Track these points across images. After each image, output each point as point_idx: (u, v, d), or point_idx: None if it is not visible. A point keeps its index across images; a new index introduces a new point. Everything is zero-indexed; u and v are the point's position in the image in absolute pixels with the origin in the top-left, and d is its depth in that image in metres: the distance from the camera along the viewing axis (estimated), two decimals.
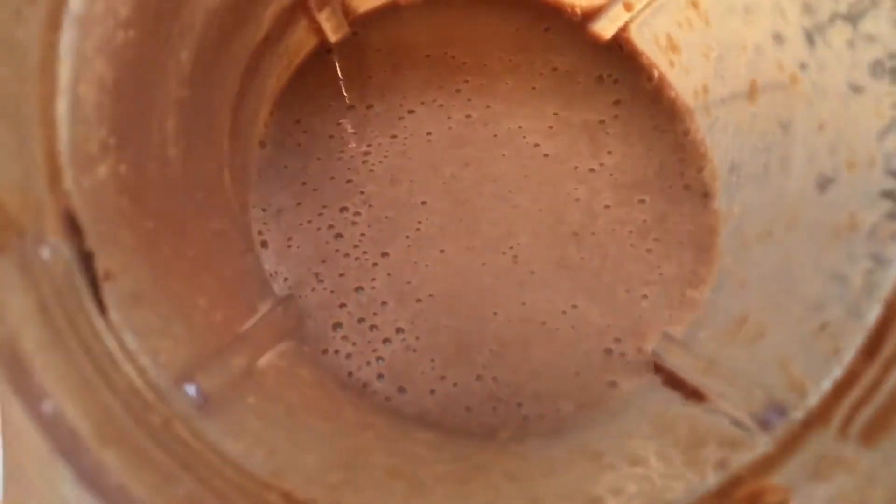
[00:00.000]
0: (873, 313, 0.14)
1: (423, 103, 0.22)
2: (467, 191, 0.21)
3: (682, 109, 0.23)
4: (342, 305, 0.20)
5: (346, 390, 0.19)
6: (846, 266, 0.15)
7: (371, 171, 0.21)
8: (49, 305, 0.12)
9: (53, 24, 0.13)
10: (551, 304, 0.20)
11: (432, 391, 0.19)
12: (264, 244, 0.22)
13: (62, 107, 0.13)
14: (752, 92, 0.20)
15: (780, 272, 0.17)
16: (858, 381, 0.13)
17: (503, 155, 0.22)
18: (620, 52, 0.23)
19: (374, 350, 0.20)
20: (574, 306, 0.20)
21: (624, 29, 0.23)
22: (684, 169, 0.22)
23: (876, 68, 0.15)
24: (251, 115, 0.22)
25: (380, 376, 0.20)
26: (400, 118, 0.22)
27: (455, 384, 0.19)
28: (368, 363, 0.20)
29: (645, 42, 0.23)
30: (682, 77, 0.23)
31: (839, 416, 0.13)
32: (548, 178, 0.21)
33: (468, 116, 0.22)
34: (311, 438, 0.16)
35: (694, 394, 0.17)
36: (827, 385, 0.14)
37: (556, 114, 0.22)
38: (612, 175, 0.22)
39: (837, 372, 0.14)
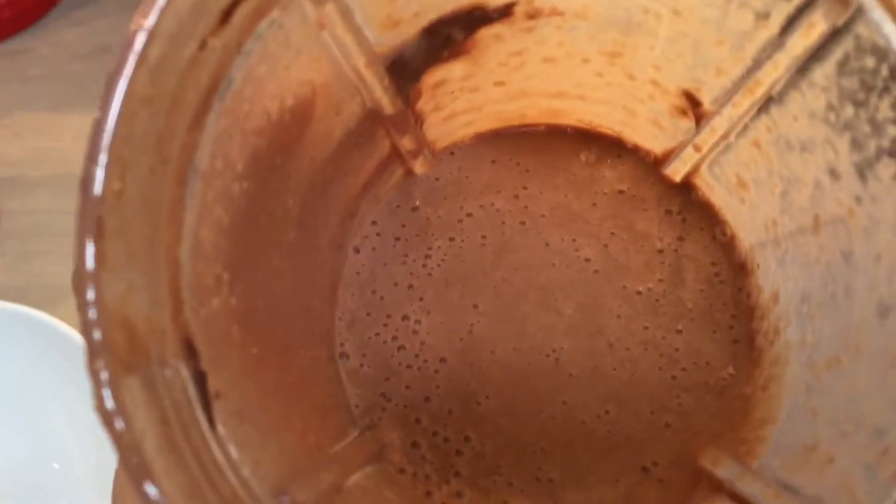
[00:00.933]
0: None
1: (481, 206, 0.24)
2: (515, 295, 0.23)
3: (748, 266, 0.24)
4: (417, 421, 0.22)
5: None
6: None
7: (430, 275, 0.23)
8: (168, 418, 0.14)
9: (181, 179, 0.15)
10: (587, 406, 0.21)
11: (505, 502, 0.20)
12: (343, 355, 0.23)
13: (185, 248, 0.15)
14: (817, 225, 0.21)
15: (847, 399, 0.18)
16: None
17: (553, 264, 0.23)
18: (690, 194, 0.25)
19: (452, 465, 0.21)
20: (607, 412, 0.21)
21: (695, 172, 0.25)
22: (735, 324, 0.23)
23: None
24: (352, 244, 0.24)
25: (458, 494, 0.21)
26: (459, 220, 0.24)
27: (523, 490, 0.20)
28: (448, 481, 0.21)
29: (716, 181, 0.24)
30: (753, 212, 0.24)
31: None
32: (593, 292, 0.23)
33: (522, 223, 0.24)
34: None
35: None
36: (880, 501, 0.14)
37: (613, 234, 0.24)
38: (657, 301, 0.23)
39: (895, 496, 0.14)
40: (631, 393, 0.22)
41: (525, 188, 0.24)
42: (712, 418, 0.22)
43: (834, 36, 0.16)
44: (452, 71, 0.23)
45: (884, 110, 0.16)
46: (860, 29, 0.16)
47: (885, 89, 0.16)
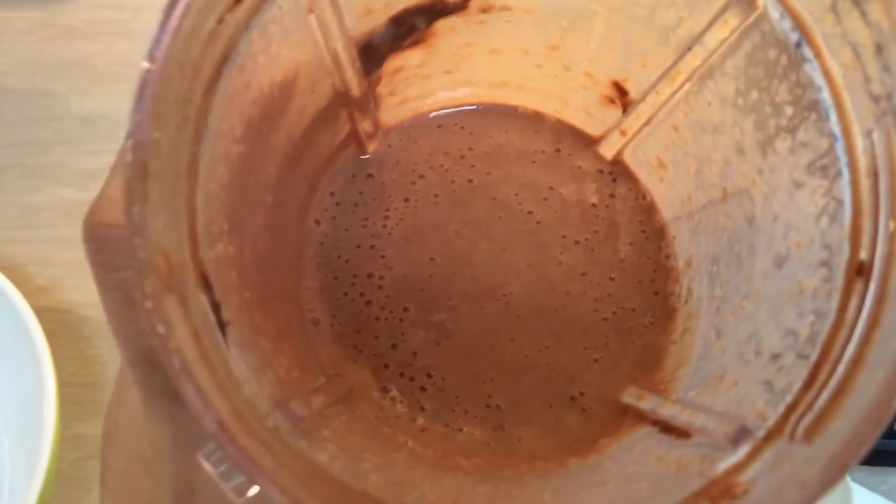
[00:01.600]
0: (814, 354, 0.18)
1: (431, 168, 0.27)
2: (468, 247, 0.26)
3: (666, 233, 0.27)
4: (385, 366, 0.24)
5: (396, 442, 0.23)
6: (797, 322, 0.19)
7: (389, 234, 0.26)
8: (199, 333, 0.16)
9: (197, 137, 0.18)
10: (530, 342, 0.25)
11: (460, 429, 0.23)
12: (315, 322, 0.26)
13: (199, 197, 0.18)
14: (724, 197, 0.24)
15: (749, 336, 0.21)
16: (802, 402, 0.17)
17: (500, 217, 0.26)
18: (621, 169, 0.28)
19: (418, 401, 0.24)
20: (547, 347, 0.25)
21: (621, 153, 0.28)
22: (656, 278, 0.27)
23: (810, 167, 0.20)
24: (313, 215, 0.27)
25: (424, 430, 0.24)
26: (413, 182, 0.27)
27: (475, 416, 0.23)
28: (414, 419, 0.24)
29: (639, 163, 0.28)
30: (670, 190, 0.27)
31: (789, 428, 0.17)
32: (537, 241, 0.26)
33: (470, 181, 0.27)
34: (371, 467, 0.20)
35: (683, 433, 0.21)
36: (781, 409, 0.18)
37: (551, 188, 0.27)
38: (593, 251, 0.26)
39: (788, 399, 0.18)
40: (568, 331, 0.25)
41: (471, 149, 0.27)
42: (633, 360, 0.25)
43: (743, 31, 0.20)
44: (410, 59, 0.26)
45: (782, 94, 0.20)
46: (764, 25, 0.19)
47: (784, 76, 0.20)
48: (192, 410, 0.15)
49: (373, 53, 0.24)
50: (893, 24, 0.16)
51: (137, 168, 0.15)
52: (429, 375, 0.24)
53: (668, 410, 0.22)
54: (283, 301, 0.25)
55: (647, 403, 0.24)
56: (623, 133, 0.27)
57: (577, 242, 0.27)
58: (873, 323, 0.17)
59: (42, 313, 0.39)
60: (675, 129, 0.26)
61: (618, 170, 0.28)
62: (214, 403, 0.15)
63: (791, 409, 0.18)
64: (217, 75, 0.18)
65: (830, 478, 0.15)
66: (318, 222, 0.27)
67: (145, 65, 0.16)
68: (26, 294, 0.40)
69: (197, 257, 0.17)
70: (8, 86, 0.49)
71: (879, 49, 0.17)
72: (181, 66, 0.16)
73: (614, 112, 0.28)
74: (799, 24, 0.18)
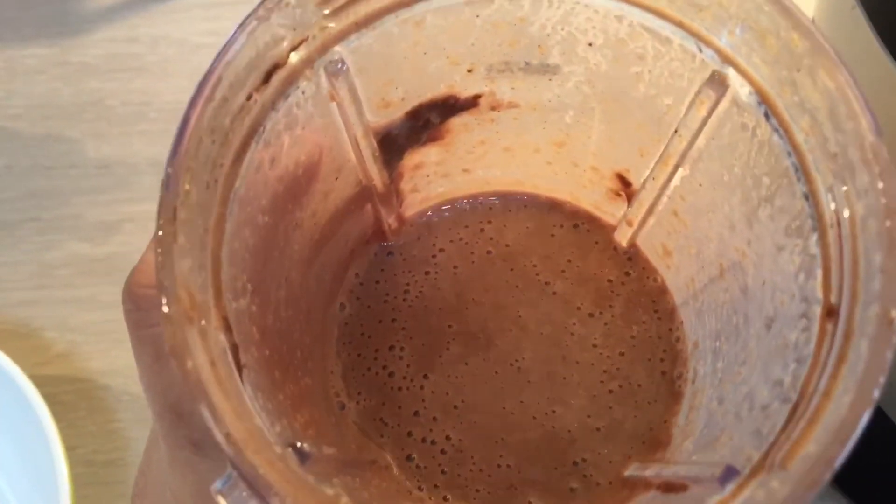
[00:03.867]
0: (795, 396, 0.19)
1: (451, 241, 0.29)
2: (485, 314, 0.27)
3: (676, 316, 0.29)
4: (409, 434, 0.26)
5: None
6: (782, 373, 0.20)
7: (409, 306, 0.27)
8: (216, 362, 0.18)
9: (224, 199, 0.20)
10: (539, 406, 0.26)
11: (477, 490, 0.24)
12: (341, 405, 0.27)
13: (225, 252, 0.20)
14: (721, 273, 0.26)
15: (744, 398, 0.22)
16: (783, 439, 0.18)
17: (517, 286, 0.28)
18: (635, 252, 0.30)
19: (439, 465, 0.25)
20: (553, 411, 0.26)
21: (633, 240, 0.30)
22: (665, 358, 0.28)
23: (787, 230, 0.21)
24: (340, 303, 0.29)
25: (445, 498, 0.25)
26: (433, 256, 0.28)
27: (489, 475, 0.24)
28: (436, 486, 0.25)
29: (648, 250, 0.30)
30: (677, 276, 0.29)
31: (770, 461, 0.18)
32: (552, 311, 0.27)
33: (489, 252, 0.28)
34: None
35: (682, 487, 0.22)
36: (765, 449, 0.19)
37: (569, 261, 0.28)
38: (606, 325, 0.27)
39: (771, 439, 0.19)
40: (575, 398, 0.26)
41: (489, 222, 0.29)
42: (635, 436, 0.26)
43: (720, 110, 0.22)
44: (429, 155, 0.29)
45: (760, 165, 0.22)
46: (736, 102, 0.21)
47: (759, 148, 0.21)
48: (206, 426, 0.16)
49: (392, 145, 0.27)
50: (838, 86, 0.18)
51: (168, 212, 0.17)
52: (447, 438, 0.26)
53: (669, 471, 0.23)
54: (304, 373, 0.26)
55: (651, 471, 0.25)
56: (629, 223, 0.29)
57: (591, 315, 0.28)
58: (841, 358, 0.18)
59: (61, 383, 0.38)
60: (675, 215, 0.27)
61: (632, 253, 0.30)
62: (225, 420, 0.17)
63: (773, 446, 0.18)
64: (245, 146, 0.20)
65: (801, 494, 0.16)
66: (342, 305, 0.29)
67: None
68: (44, 363, 0.38)
69: (219, 304, 0.19)
70: (21, 131, 0.47)
71: (831, 111, 0.19)
72: (212, 132, 0.19)
73: (621, 205, 0.29)
74: (764, 99, 0.20)
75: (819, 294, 0.19)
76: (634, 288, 0.29)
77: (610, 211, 0.30)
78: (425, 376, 0.27)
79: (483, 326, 0.27)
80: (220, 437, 0.16)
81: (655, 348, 0.28)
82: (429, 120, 0.27)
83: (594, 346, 0.27)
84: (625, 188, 0.29)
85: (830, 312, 0.19)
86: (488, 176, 0.31)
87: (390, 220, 0.30)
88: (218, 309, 0.19)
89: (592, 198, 0.30)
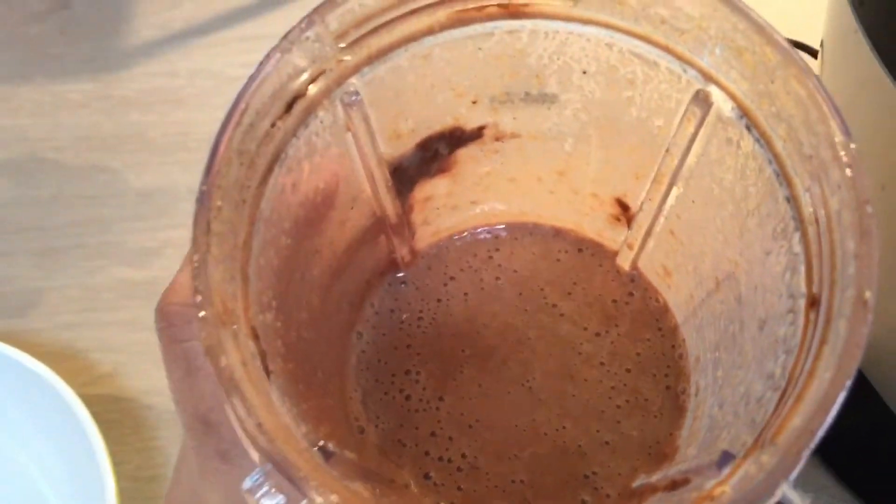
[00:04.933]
0: (783, 383, 0.20)
1: (461, 270, 0.30)
2: (496, 337, 0.29)
3: (679, 333, 0.30)
4: (426, 453, 0.27)
5: None
6: (774, 366, 0.22)
7: (424, 333, 0.29)
8: (247, 363, 0.19)
9: (252, 218, 0.22)
10: (550, 422, 0.27)
11: None
12: (361, 430, 0.29)
13: (252, 268, 0.22)
14: (717, 286, 0.27)
15: (742, 397, 0.24)
16: (773, 420, 0.20)
17: (525, 310, 0.29)
18: (637, 274, 0.31)
19: (455, 482, 0.26)
20: (564, 427, 0.27)
21: (635, 263, 0.31)
22: (669, 373, 0.29)
23: (774, 233, 0.23)
24: (357, 332, 0.30)
25: None
26: (445, 284, 0.30)
27: (504, 490, 0.26)
28: (454, 503, 0.26)
29: (649, 272, 0.31)
30: (677, 295, 0.30)
31: (762, 441, 0.19)
32: (560, 332, 0.29)
33: (497, 279, 0.30)
34: None
35: (685, 481, 0.23)
36: (758, 433, 0.20)
37: (575, 284, 0.30)
38: (612, 343, 0.29)
39: (762, 424, 0.20)
40: (583, 414, 0.27)
41: (497, 250, 0.31)
42: (642, 448, 0.27)
43: (706, 126, 0.24)
44: (438, 187, 0.31)
45: (746, 177, 0.23)
46: (721, 118, 0.23)
47: (745, 161, 0.23)
48: (237, 419, 0.18)
49: (404, 176, 0.28)
50: (809, 93, 0.20)
51: (202, 225, 0.19)
52: (463, 456, 0.27)
53: (673, 470, 0.24)
54: (327, 395, 0.28)
55: (657, 476, 0.26)
56: (630, 247, 0.31)
57: (597, 335, 0.30)
58: (823, 340, 0.19)
59: (106, 402, 0.40)
60: (672, 234, 0.29)
61: (635, 274, 0.31)
62: (258, 412, 0.18)
63: (764, 430, 0.20)
64: (269, 170, 0.22)
65: (789, 463, 0.17)
66: (360, 334, 0.31)
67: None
68: (90, 382, 0.40)
69: (248, 314, 0.21)
70: (66, 162, 0.49)
71: (804, 117, 0.20)
72: (240, 154, 0.21)
73: (621, 230, 0.31)
74: (745, 112, 0.22)
75: (803, 288, 0.21)
76: (638, 307, 0.31)
77: (612, 237, 0.32)
78: (441, 398, 0.28)
79: (495, 349, 0.29)
80: (252, 427, 0.18)
81: (660, 364, 0.29)
82: (437, 151, 0.28)
83: (601, 363, 0.29)
84: (624, 213, 0.30)
85: (813, 302, 0.20)
86: (495, 209, 0.32)
87: (403, 252, 0.31)
88: (247, 318, 0.21)
89: (595, 225, 0.32)
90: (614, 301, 0.31)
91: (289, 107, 0.22)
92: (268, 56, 0.21)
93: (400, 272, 0.31)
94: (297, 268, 0.25)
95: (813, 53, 0.53)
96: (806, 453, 0.17)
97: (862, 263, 0.19)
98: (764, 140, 0.22)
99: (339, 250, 0.28)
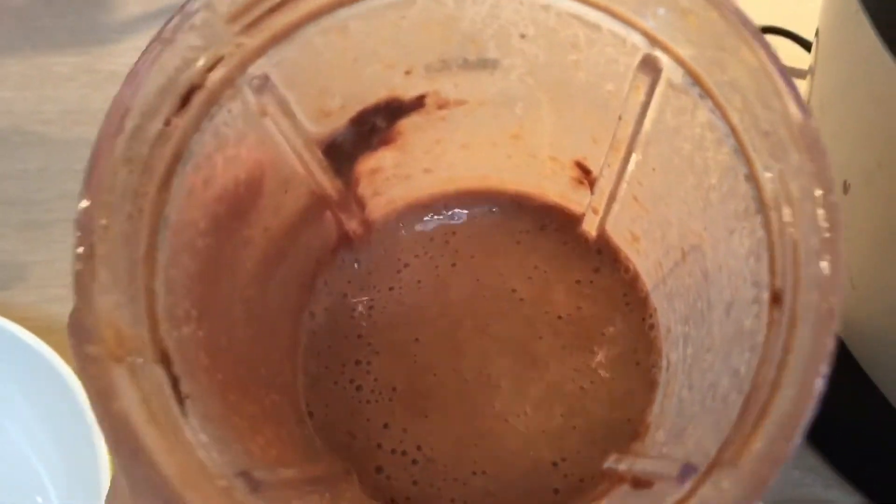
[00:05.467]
0: (747, 387, 0.18)
1: (416, 256, 0.28)
2: (451, 325, 0.27)
3: (649, 304, 0.28)
4: (379, 446, 0.25)
5: None
6: (739, 362, 0.20)
7: (375, 323, 0.27)
8: (150, 399, 0.17)
9: (153, 228, 0.19)
10: (512, 409, 0.25)
11: (452, 500, 0.24)
12: (311, 414, 0.27)
13: (159, 282, 0.20)
14: (684, 256, 0.25)
15: (710, 386, 0.22)
16: (736, 435, 0.18)
17: (484, 297, 0.27)
18: (604, 243, 0.29)
19: (410, 475, 0.25)
20: (526, 412, 0.25)
21: (602, 228, 0.29)
22: (638, 349, 0.27)
23: (737, 212, 0.20)
24: (310, 311, 0.28)
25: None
26: (398, 271, 0.28)
27: (464, 483, 0.24)
28: (408, 498, 0.25)
29: (618, 237, 0.29)
30: (645, 260, 0.28)
31: (725, 457, 0.18)
32: (521, 318, 0.27)
33: (454, 265, 0.28)
34: None
35: (647, 484, 0.21)
36: (720, 444, 0.18)
37: (536, 266, 0.28)
38: (575, 325, 0.27)
39: (727, 432, 0.18)
40: (548, 399, 0.25)
41: (454, 233, 0.29)
42: (613, 429, 0.25)
43: (656, 93, 0.21)
44: (384, 159, 0.28)
45: (705, 149, 0.21)
46: (672, 85, 0.21)
47: (701, 130, 0.21)
48: (134, 471, 0.16)
49: (340, 153, 0.26)
50: (761, 64, 0.18)
51: (86, 251, 0.17)
52: (418, 448, 0.25)
53: (640, 466, 0.23)
54: (270, 390, 0.26)
55: (624, 465, 0.24)
56: (595, 211, 0.29)
57: (559, 318, 0.28)
58: (787, 348, 0.17)
59: None
60: (635, 200, 0.27)
61: (602, 243, 0.29)
62: (159, 461, 0.16)
63: (728, 442, 0.18)
64: (171, 172, 0.20)
65: (750, 492, 0.16)
66: (312, 314, 0.29)
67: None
68: None
69: (157, 336, 0.19)
70: (53, 135, 0.48)
71: (758, 90, 0.18)
72: (128, 162, 0.18)
73: (586, 193, 0.29)
74: (696, 79, 0.20)
75: (766, 278, 0.19)
76: (604, 284, 0.29)
77: (576, 199, 0.29)
78: (394, 388, 0.26)
79: (450, 338, 0.27)
80: (153, 483, 0.16)
81: (628, 340, 0.28)
82: (375, 125, 0.26)
83: (564, 346, 0.27)
84: (586, 176, 0.28)
85: (776, 298, 0.18)
86: (452, 174, 0.30)
87: (353, 226, 0.29)
88: (154, 341, 0.19)
89: (557, 188, 0.30)
90: (578, 282, 0.28)
91: (185, 101, 0.20)
92: (147, 50, 0.18)
93: (354, 247, 0.29)
94: (224, 266, 0.23)
95: (806, 46, 0.51)
96: (769, 483, 0.15)
97: (827, 263, 0.17)
98: (719, 111, 0.19)
99: (277, 236, 0.26)
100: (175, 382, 0.19)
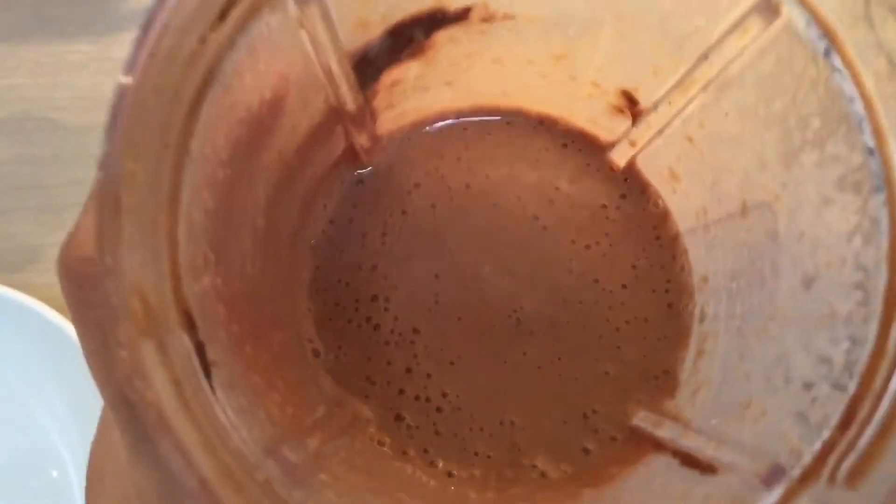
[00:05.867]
0: (852, 385, 0.17)
1: (426, 174, 0.25)
2: (472, 261, 0.25)
3: (680, 242, 0.26)
4: (401, 392, 0.23)
5: (401, 476, 0.22)
6: (830, 349, 0.18)
7: (390, 252, 0.24)
8: (180, 380, 0.15)
9: (178, 165, 0.16)
10: (543, 354, 0.24)
11: (476, 453, 0.22)
12: (316, 353, 0.25)
13: (182, 229, 0.16)
14: (744, 210, 0.23)
15: (777, 360, 0.20)
16: (841, 440, 0.16)
17: (503, 226, 0.25)
18: (632, 174, 0.27)
19: (434, 423, 0.23)
20: (559, 359, 0.24)
21: (632, 161, 0.27)
22: (670, 289, 0.25)
23: (840, 183, 0.18)
24: (307, 235, 0.26)
25: (432, 464, 0.22)
26: (408, 192, 0.25)
27: (490, 435, 0.22)
28: (426, 451, 0.23)
29: (651, 174, 0.27)
30: (684, 201, 0.26)
31: (828, 469, 0.16)
32: (545, 249, 0.25)
33: (467, 186, 0.25)
34: None
35: (709, 468, 0.19)
36: (818, 446, 0.16)
37: (557, 189, 0.25)
38: (604, 256, 0.25)
39: (826, 435, 0.16)
40: (580, 342, 0.24)
41: (467, 149, 0.26)
42: (645, 378, 0.24)
43: (765, 39, 0.19)
44: (408, 71, 0.25)
45: (809, 105, 0.18)
46: (789, 33, 0.18)
47: (811, 86, 0.18)
48: (172, 469, 0.13)
49: (368, 67, 0.23)
50: None
51: (109, 204, 0.14)
52: (444, 395, 0.23)
53: (690, 441, 0.21)
54: (277, 329, 0.23)
55: (665, 432, 0.22)
56: (632, 144, 0.26)
57: (587, 247, 0.25)
58: None
59: None
60: (689, 140, 0.24)
61: (629, 174, 0.27)
62: (196, 460, 0.14)
63: (829, 447, 0.16)
64: (200, 98, 0.17)
65: None
66: (313, 243, 0.26)
67: (122, 80, 0.14)
68: None
69: (179, 294, 0.16)
70: (66, 122, 0.49)
71: None
72: (158, 91, 0.15)
73: (623, 122, 0.26)
74: (827, 32, 0.17)
75: (884, 268, 0.17)
76: (632, 212, 0.26)
77: (608, 126, 0.27)
78: (415, 330, 0.24)
79: (473, 275, 0.24)
80: (192, 486, 0.13)
81: (659, 278, 0.26)
82: (412, 36, 0.23)
83: (595, 281, 0.25)
84: (631, 106, 0.25)
85: None
86: (472, 88, 0.27)
87: (362, 141, 0.26)
88: (178, 301, 0.16)
89: (589, 113, 0.27)
90: (604, 206, 0.26)
91: (223, 14, 0.16)
92: None
93: (360, 163, 0.26)
94: (239, 196, 0.20)
95: None
96: None
97: None
98: (849, 71, 0.17)
99: (288, 156, 0.23)
100: (201, 350, 0.16)
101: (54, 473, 0.41)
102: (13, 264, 0.40)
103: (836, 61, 0.17)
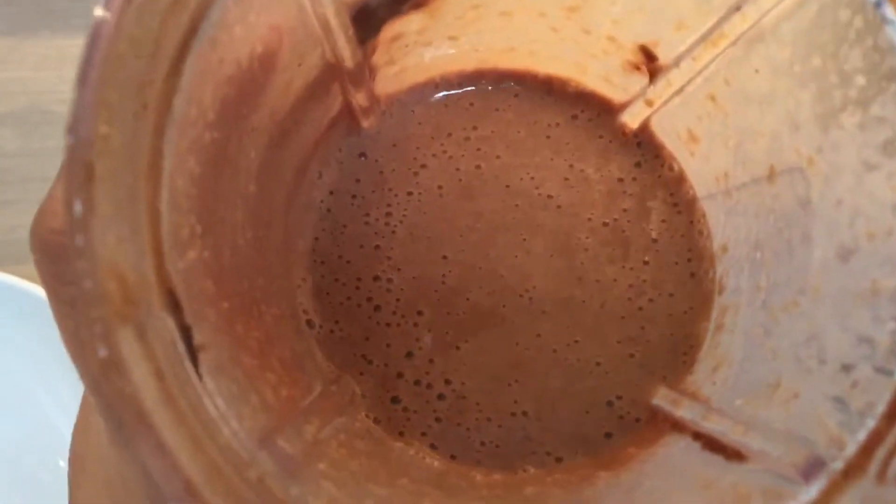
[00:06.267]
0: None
1: (434, 155, 0.24)
2: (483, 241, 0.23)
3: (698, 206, 0.24)
4: (399, 375, 0.22)
5: (402, 458, 0.20)
6: (872, 329, 0.16)
7: (394, 232, 0.23)
8: (163, 371, 0.13)
9: (159, 128, 0.15)
10: (559, 337, 0.22)
11: (482, 443, 0.21)
12: (311, 324, 0.23)
13: (164, 199, 0.15)
14: (772, 175, 0.21)
15: (808, 338, 0.19)
16: (890, 432, 0.15)
17: (516, 205, 0.23)
18: (646, 137, 0.25)
19: (434, 411, 0.21)
20: (576, 341, 0.22)
21: (646, 123, 0.25)
22: (692, 258, 0.24)
23: (887, 147, 0.17)
24: (302, 202, 0.24)
25: (433, 447, 0.21)
26: (415, 173, 0.24)
27: (499, 425, 0.21)
28: (424, 433, 0.21)
29: (666, 134, 0.25)
30: (703, 165, 0.24)
31: (875, 464, 0.14)
32: (560, 228, 0.23)
33: (478, 167, 0.24)
34: (375, 502, 0.18)
35: (735, 454, 0.18)
36: (862, 436, 0.15)
37: (571, 165, 0.24)
38: (623, 232, 0.23)
39: (871, 424, 0.15)
40: (600, 323, 0.22)
41: (475, 128, 0.24)
42: (675, 354, 0.22)
43: None
44: (410, 24, 0.23)
45: (853, 60, 0.17)
46: None
47: (857, 40, 0.17)
48: (154, 472, 0.12)
49: (368, 20, 0.21)
50: None
51: (79, 173, 0.12)
52: (447, 381, 0.22)
53: (712, 424, 0.20)
54: (269, 302, 0.22)
55: (685, 412, 0.21)
56: (649, 103, 0.24)
57: (604, 224, 0.24)
58: None
59: None
60: (711, 99, 0.23)
61: (642, 137, 0.25)
62: (181, 461, 0.12)
63: (875, 438, 0.15)
64: (184, 52, 0.15)
65: None
66: (309, 211, 0.24)
67: (98, 13, 0.13)
68: None
69: (162, 272, 0.15)
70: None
71: None
72: (135, 44, 0.13)
73: (639, 80, 0.24)
74: None
75: None
76: (648, 181, 0.25)
77: (622, 85, 0.25)
78: (419, 312, 0.22)
79: (483, 255, 0.23)
80: (177, 492, 0.12)
81: (680, 247, 0.24)
82: None
83: (613, 259, 0.23)
84: (648, 62, 0.24)
85: None
86: (477, 43, 0.25)
87: (360, 99, 0.24)
88: (160, 279, 0.14)
89: (602, 70, 0.25)
90: (620, 180, 0.24)
91: None
92: None
93: (356, 123, 0.25)
94: (228, 161, 0.19)
95: None
96: None
97: None
98: None
99: (280, 116, 0.21)
100: (187, 333, 0.15)
101: (62, 463, 0.40)
102: (19, 255, 0.39)
103: (889, 12, 0.15)
